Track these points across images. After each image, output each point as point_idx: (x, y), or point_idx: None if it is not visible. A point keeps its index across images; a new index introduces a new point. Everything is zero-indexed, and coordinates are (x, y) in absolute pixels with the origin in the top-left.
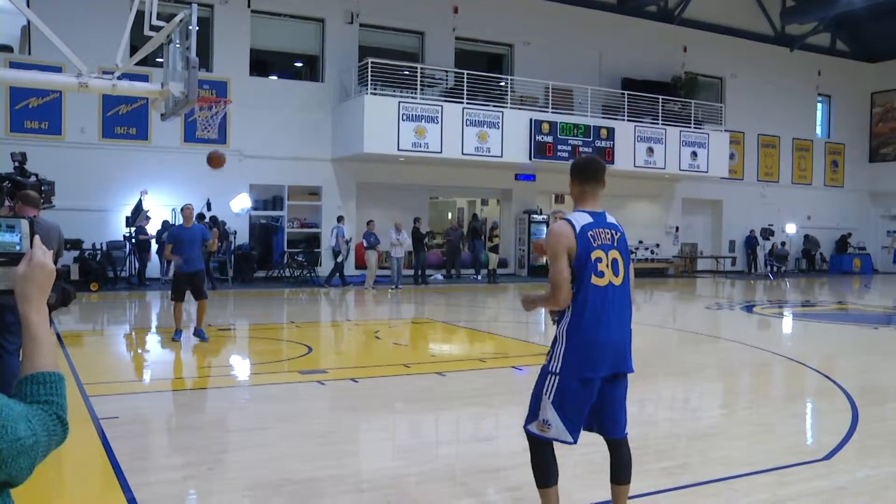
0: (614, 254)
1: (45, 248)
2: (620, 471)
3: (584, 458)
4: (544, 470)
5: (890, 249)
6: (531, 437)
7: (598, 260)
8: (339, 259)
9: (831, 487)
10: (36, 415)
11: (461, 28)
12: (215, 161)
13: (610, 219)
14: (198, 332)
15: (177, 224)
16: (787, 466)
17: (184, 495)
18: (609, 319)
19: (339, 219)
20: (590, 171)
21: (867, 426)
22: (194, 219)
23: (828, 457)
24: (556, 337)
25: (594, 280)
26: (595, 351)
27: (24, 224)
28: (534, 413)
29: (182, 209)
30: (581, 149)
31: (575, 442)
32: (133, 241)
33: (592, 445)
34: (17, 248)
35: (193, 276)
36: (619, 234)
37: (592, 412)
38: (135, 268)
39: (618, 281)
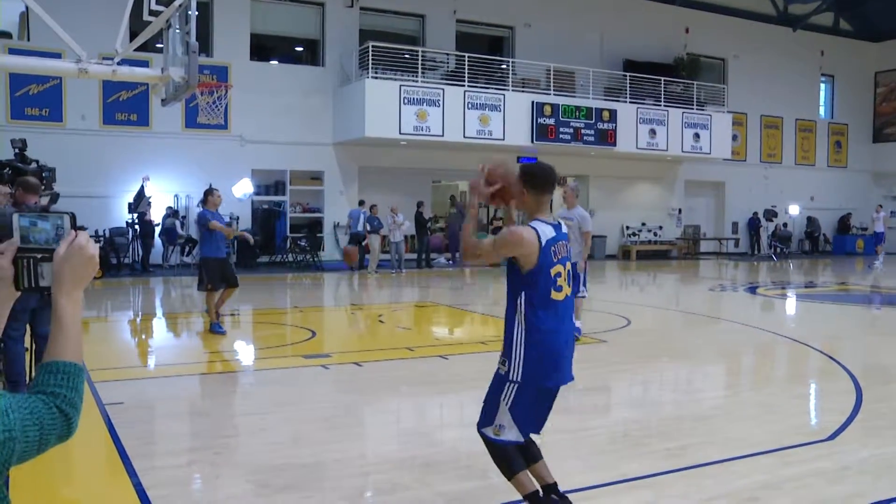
0: (568, 266)
1: (88, 236)
2: (533, 449)
3: (586, 440)
4: (508, 460)
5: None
6: (486, 438)
7: (558, 275)
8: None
9: (835, 468)
10: (25, 407)
11: (462, 11)
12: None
13: (563, 229)
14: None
15: (204, 208)
16: (790, 447)
17: (190, 480)
18: (566, 331)
19: (361, 203)
20: (550, 182)
21: (871, 406)
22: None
23: (832, 437)
24: (511, 343)
25: (554, 295)
26: (557, 362)
27: (66, 219)
28: (489, 417)
29: (213, 195)
30: (584, 131)
31: (524, 442)
32: (136, 227)
33: (597, 428)
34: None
35: (224, 262)
36: (567, 242)
37: None
38: (138, 254)
39: (569, 291)
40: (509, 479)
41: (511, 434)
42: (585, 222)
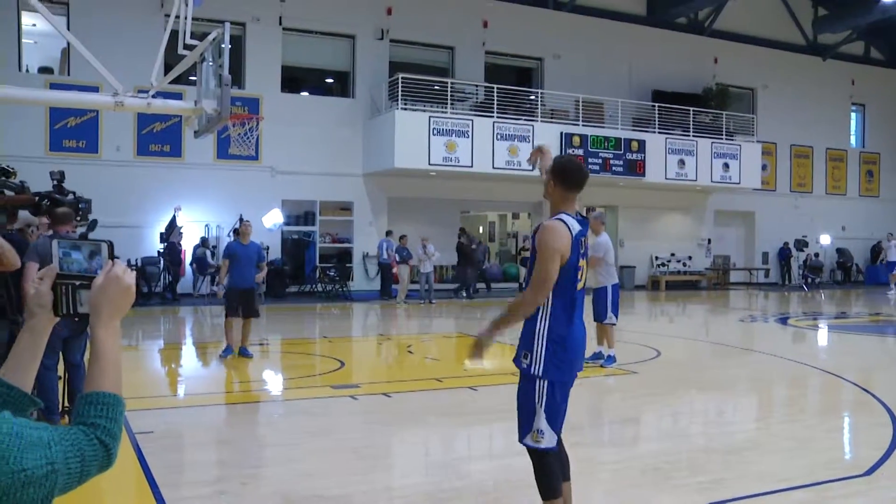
0: (584, 260)
1: (125, 266)
2: (568, 466)
3: (616, 472)
4: (552, 480)
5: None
6: (531, 450)
7: (580, 269)
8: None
9: None
10: (66, 440)
11: (491, 42)
12: None
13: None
14: (242, 351)
15: (234, 240)
16: (826, 482)
17: None
18: (580, 323)
19: (388, 233)
20: (580, 180)
21: None
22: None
23: (869, 472)
24: (533, 335)
25: (572, 289)
26: (574, 353)
27: (104, 247)
28: (528, 424)
29: (241, 225)
30: (612, 161)
31: (556, 449)
32: (168, 256)
33: (628, 461)
34: (98, 271)
35: (247, 292)
36: (586, 238)
37: None
38: (168, 283)
39: (582, 284)
40: (546, 501)
41: (550, 440)
42: (598, 249)
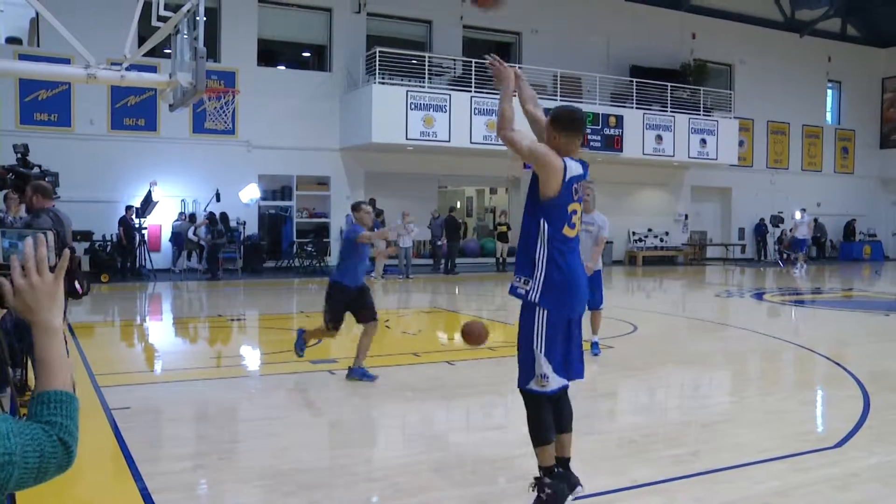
0: (581, 205)
1: (42, 257)
2: (566, 419)
3: (593, 445)
4: (545, 427)
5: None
6: (531, 395)
7: (574, 212)
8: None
9: (843, 474)
10: (26, 433)
11: (469, 16)
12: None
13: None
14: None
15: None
16: (798, 454)
17: (195, 485)
18: (578, 264)
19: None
20: (576, 123)
21: (879, 413)
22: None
23: (839, 444)
24: (532, 263)
25: (566, 231)
26: (573, 291)
27: (51, 236)
28: (529, 371)
29: (357, 207)
30: (590, 136)
31: (567, 383)
32: (122, 232)
33: (604, 433)
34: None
35: (361, 291)
36: (592, 184)
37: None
38: (146, 259)
39: (580, 228)
40: (535, 447)
41: (555, 382)
42: (605, 229)
